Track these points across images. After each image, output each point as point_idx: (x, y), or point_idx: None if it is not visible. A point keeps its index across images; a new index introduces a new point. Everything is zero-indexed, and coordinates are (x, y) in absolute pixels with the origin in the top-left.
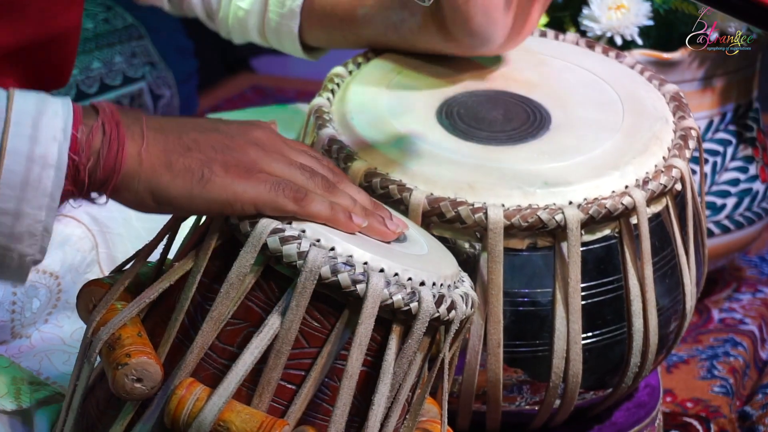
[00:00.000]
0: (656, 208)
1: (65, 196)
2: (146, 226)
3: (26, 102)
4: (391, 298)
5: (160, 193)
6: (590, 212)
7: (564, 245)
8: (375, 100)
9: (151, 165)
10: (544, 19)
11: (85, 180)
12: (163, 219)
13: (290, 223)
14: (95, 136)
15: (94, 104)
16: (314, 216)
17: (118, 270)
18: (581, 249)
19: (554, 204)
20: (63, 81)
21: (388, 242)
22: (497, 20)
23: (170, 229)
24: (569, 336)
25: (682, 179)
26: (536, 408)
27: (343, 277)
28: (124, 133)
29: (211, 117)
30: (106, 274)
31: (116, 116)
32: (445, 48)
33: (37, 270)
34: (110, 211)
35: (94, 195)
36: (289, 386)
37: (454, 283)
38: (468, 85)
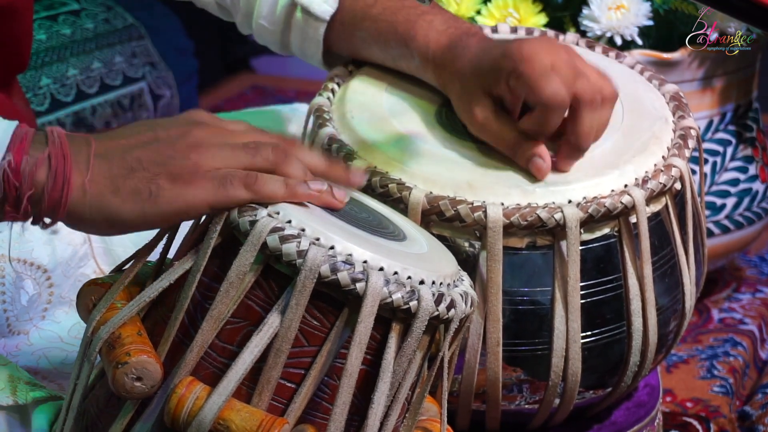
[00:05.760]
0: (656, 207)
1: (8, 218)
2: None
3: None
4: (391, 296)
5: (113, 217)
6: (589, 211)
7: (563, 244)
8: (375, 100)
9: (98, 193)
10: (543, 19)
11: (28, 208)
12: None
13: (290, 222)
14: (40, 169)
15: (46, 131)
16: (271, 197)
17: (118, 269)
18: (580, 248)
19: (553, 203)
20: (22, 63)
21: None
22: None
23: (170, 229)
24: (568, 335)
25: (681, 178)
26: (536, 407)
27: (343, 276)
28: (71, 166)
29: (148, 122)
30: (102, 267)
31: (65, 148)
32: None
33: (25, 261)
34: None
35: (47, 221)
36: (289, 385)
37: (454, 281)
38: None
